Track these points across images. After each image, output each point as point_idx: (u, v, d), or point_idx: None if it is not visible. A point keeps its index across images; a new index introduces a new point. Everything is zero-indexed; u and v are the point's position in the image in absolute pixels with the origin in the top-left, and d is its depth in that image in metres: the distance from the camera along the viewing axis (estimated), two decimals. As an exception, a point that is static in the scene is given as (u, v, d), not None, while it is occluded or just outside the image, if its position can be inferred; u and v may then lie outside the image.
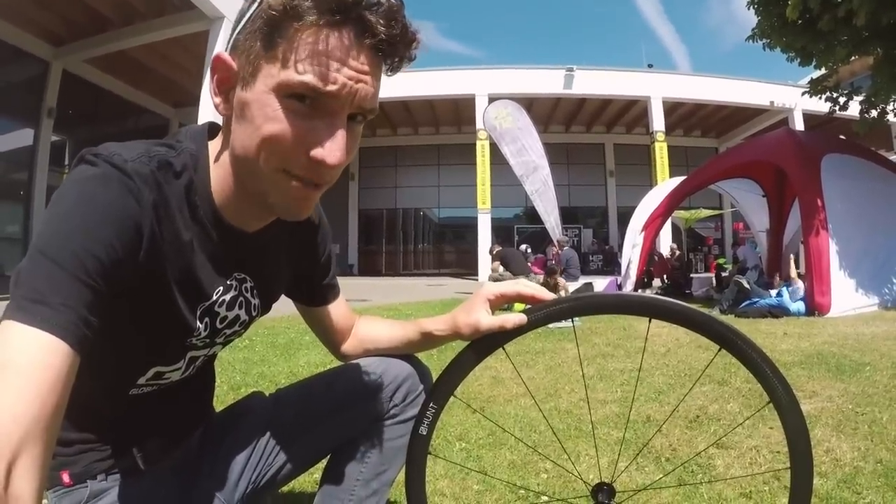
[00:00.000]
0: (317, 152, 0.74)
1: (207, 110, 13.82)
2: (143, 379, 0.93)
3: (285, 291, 1.14)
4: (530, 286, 0.98)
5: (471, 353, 0.97)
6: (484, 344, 0.97)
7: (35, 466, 0.52)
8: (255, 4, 0.73)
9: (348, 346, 1.24)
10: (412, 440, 0.99)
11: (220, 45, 13.77)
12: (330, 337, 1.23)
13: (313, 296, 1.17)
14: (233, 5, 14.25)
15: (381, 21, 0.70)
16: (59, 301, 0.60)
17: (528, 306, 0.96)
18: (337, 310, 1.21)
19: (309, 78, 0.70)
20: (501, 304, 1.01)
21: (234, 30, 0.78)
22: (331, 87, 0.71)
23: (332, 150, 0.74)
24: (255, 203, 0.85)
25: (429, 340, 1.14)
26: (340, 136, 0.74)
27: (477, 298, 1.02)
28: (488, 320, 0.97)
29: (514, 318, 0.94)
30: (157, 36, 14.90)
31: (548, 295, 0.96)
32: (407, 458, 1.00)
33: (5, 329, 0.58)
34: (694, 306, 0.88)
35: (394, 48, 0.74)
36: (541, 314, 0.93)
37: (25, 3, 13.06)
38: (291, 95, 0.72)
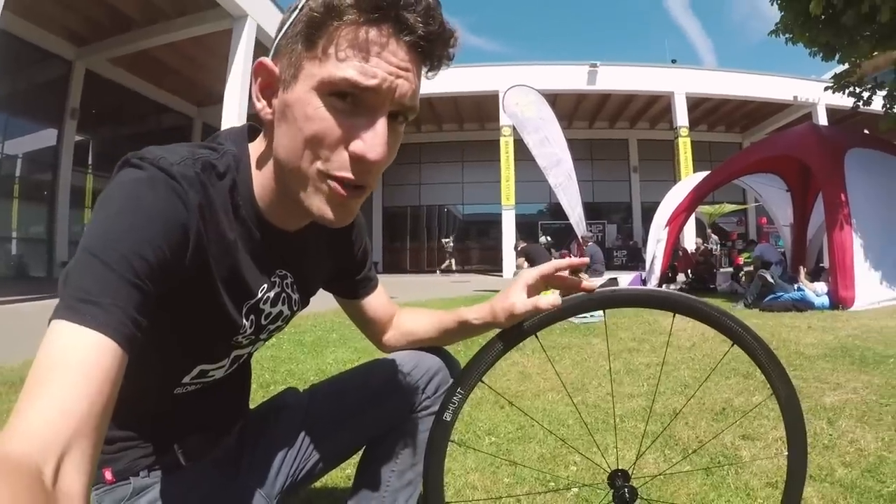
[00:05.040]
0: (357, 146, 0.74)
1: (231, 109, 13.91)
2: (188, 378, 0.95)
3: (324, 286, 1.16)
4: (563, 260, 1.01)
5: (499, 340, 0.97)
6: (514, 332, 0.96)
7: (84, 463, 0.52)
8: (297, 10, 0.75)
9: (390, 338, 1.26)
10: (435, 426, 0.98)
11: (244, 44, 14.18)
12: (371, 328, 1.25)
13: (351, 289, 1.19)
14: (256, 4, 14.40)
15: (419, 18, 0.72)
16: (109, 301, 0.60)
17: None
18: (376, 301, 1.22)
19: (350, 73, 0.71)
20: (542, 286, 1.01)
21: (275, 37, 0.79)
22: (371, 82, 0.71)
23: (374, 144, 0.74)
24: (296, 207, 0.83)
25: (466, 329, 1.14)
26: (381, 131, 0.74)
27: (515, 284, 1.01)
28: (524, 303, 0.96)
29: (549, 298, 0.94)
30: (180, 35, 14.98)
31: (582, 262, 0.98)
32: (427, 443, 0.99)
33: (56, 328, 0.58)
34: (716, 302, 0.94)
35: (432, 45, 0.75)
36: (575, 301, 0.94)
37: (48, 4, 13.18)
38: (333, 93, 0.72)
